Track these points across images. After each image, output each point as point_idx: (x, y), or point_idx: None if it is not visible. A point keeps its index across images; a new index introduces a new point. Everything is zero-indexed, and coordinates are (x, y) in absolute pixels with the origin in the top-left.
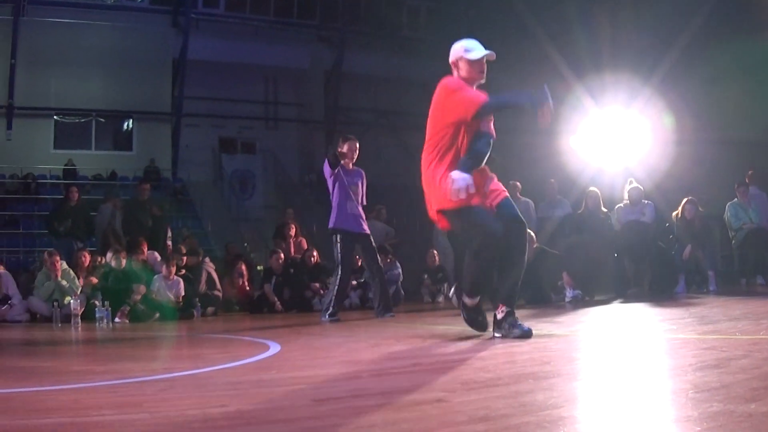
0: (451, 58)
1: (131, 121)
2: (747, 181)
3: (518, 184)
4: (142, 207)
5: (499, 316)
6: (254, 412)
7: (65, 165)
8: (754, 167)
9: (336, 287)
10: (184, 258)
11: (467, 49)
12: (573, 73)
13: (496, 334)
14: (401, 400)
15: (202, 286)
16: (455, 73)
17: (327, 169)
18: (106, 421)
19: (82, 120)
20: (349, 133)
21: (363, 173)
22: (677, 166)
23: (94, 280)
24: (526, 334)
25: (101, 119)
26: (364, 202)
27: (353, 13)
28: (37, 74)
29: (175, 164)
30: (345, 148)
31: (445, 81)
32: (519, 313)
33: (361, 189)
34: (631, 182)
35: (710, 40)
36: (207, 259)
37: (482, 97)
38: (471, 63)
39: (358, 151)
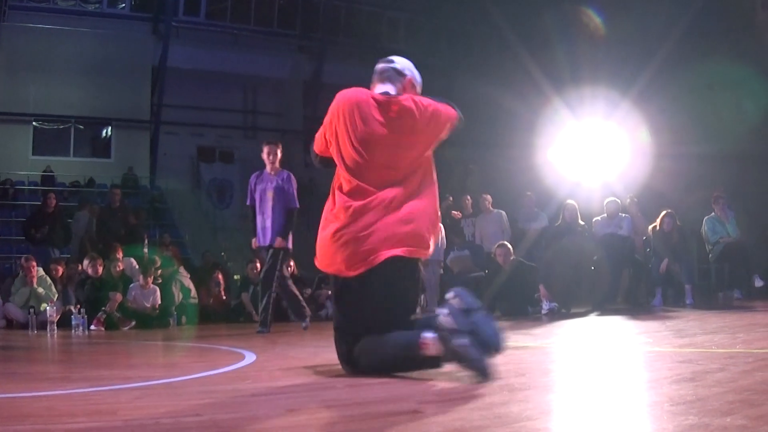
0: (408, 74)
1: (110, 128)
2: (713, 200)
3: (488, 197)
4: (114, 214)
5: None
6: (228, 422)
7: (43, 171)
8: (727, 183)
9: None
10: (159, 269)
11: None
12: (551, 86)
13: None
14: (376, 411)
15: (178, 297)
16: (399, 89)
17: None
18: (80, 429)
19: (61, 126)
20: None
21: (286, 175)
22: (655, 180)
23: None
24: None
25: (80, 126)
26: (296, 205)
27: (333, 23)
28: (17, 80)
29: (153, 172)
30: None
31: (410, 95)
32: None
33: (279, 194)
34: (628, 199)
35: (689, 54)
36: (181, 268)
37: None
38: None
39: (277, 155)
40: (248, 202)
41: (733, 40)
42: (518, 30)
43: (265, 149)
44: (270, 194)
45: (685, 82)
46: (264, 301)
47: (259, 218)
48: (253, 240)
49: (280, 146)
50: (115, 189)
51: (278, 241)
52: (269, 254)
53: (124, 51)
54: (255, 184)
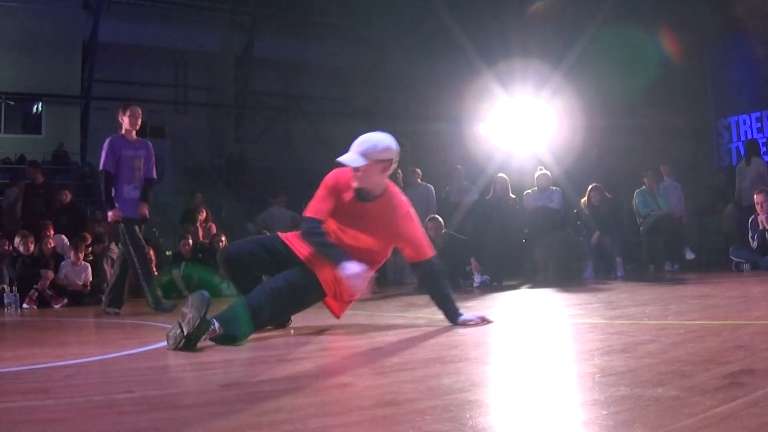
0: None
1: (40, 103)
2: (643, 173)
3: (418, 170)
4: (38, 192)
5: None
6: (160, 398)
7: None
8: (666, 158)
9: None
10: (90, 247)
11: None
12: (483, 60)
13: None
14: (308, 385)
15: (109, 274)
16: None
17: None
18: (11, 408)
19: None
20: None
21: (149, 144)
22: (586, 153)
23: None
24: None
25: (10, 102)
26: (155, 176)
27: None
28: None
29: (83, 148)
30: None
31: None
32: (424, 299)
33: (146, 163)
34: (541, 170)
35: (619, 28)
36: (113, 245)
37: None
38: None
39: (140, 119)
40: (104, 167)
41: (665, 14)
42: (450, 4)
43: (130, 110)
44: (138, 163)
45: (616, 54)
46: (151, 278)
47: (125, 188)
48: (114, 211)
49: None
50: (33, 167)
51: (146, 212)
52: (140, 228)
53: (54, 26)
54: (118, 150)
